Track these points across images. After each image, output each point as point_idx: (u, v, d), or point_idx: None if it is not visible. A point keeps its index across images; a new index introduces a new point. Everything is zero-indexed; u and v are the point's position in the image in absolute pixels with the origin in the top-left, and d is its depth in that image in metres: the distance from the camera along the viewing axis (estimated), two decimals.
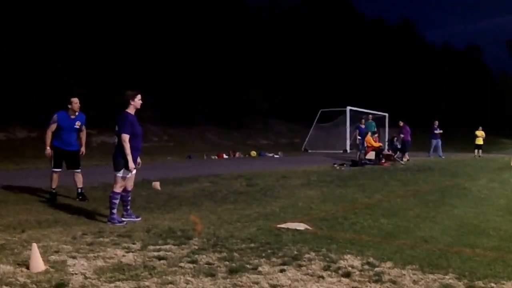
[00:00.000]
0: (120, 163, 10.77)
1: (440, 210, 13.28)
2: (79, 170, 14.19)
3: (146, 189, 16.32)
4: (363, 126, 32.76)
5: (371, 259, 8.07)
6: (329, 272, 7.40)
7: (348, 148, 40.94)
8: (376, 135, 32.24)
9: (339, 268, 7.58)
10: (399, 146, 33.62)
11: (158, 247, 8.63)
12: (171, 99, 42.37)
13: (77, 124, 13.86)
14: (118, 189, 10.89)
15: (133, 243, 8.84)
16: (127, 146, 10.63)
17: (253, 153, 38.24)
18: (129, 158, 10.67)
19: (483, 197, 16.17)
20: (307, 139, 45.63)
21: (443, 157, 37.38)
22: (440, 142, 38.50)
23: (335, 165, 27.35)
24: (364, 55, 76.50)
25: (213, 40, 51.53)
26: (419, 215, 12.52)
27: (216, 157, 35.41)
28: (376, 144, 30.30)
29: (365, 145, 30.42)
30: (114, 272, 7.14)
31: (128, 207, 11.37)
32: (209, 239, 9.34)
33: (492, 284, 7.11)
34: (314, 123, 45.58)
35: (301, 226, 10.67)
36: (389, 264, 7.84)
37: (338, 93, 59.14)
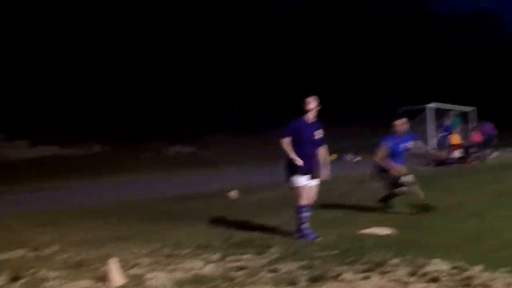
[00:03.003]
0: (287, 171, 10.83)
1: None
2: None
3: (223, 198, 16.54)
4: (448, 123, 32.20)
5: (460, 263, 7.99)
6: (415, 278, 7.38)
7: (433, 147, 40.44)
8: (476, 131, 31.83)
9: (426, 273, 7.53)
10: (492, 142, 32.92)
11: (237, 257, 8.76)
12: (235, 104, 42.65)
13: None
14: (301, 201, 10.75)
15: (212, 254, 8.99)
16: (286, 149, 10.71)
17: (333, 156, 38.07)
18: (292, 156, 10.61)
19: None
20: None
21: None
22: None
23: (419, 166, 27.07)
24: (445, 46, 75.41)
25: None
26: (507, 216, 12.33)
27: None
28: (459, 142, 29.80)
29: (450, 143, 29.97)
30: (193, 284, 7.30)
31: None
32: (289, 247, 9.42)
33: None
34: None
35: (384, 231, 10.67)
36: (479, 267, 7.73)
37: (419, 89, 58.41)
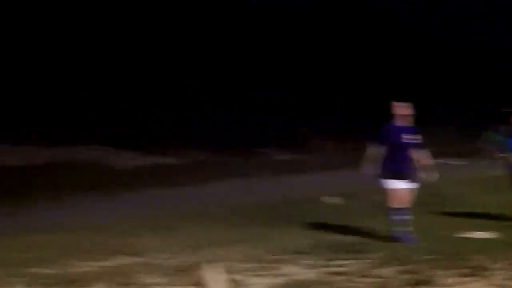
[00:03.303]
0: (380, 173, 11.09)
1: None
2: None
3: (319, 204, 16.64)
4: None
5: None
6: None
7: None
8: None
9: None
10: None
11: (338, 262, 8.89)
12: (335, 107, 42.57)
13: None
14: (392, 204, 10.99)
15: (314, 259, 9.14)
16: (366, 154, 11.11)
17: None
18: (364, 163, 11.08)
19: None
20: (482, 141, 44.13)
21: None
22: None
23: None
24: None
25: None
26: None
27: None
28: None
29: None
30: None
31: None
32: (390, 251, 9.50)
33: None
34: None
35: (485, 235, 10.63)
36: None
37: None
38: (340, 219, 13.59)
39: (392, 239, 10.63)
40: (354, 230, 11.83)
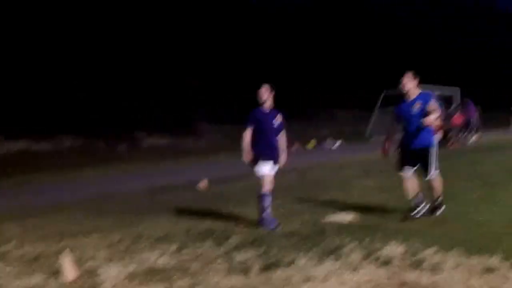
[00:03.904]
0: (254, 160, 11.10)
1: (504, 192, 13.30)
2: None
3: (193, 190, 16.72)
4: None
5: (415, 246, 8.26)
6: (368, 262, 7.65)
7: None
8: (457, 113, 32.11)
9: (379, 257, 7.81)
10: (475, 126, 33.09)
11: (194, 247, 9.02)
12: (224, 93, 42.75)
13: None
14: (265, 189, 10.98)
15: (170, 245, 9.21)
16: (244, 139, 11.10)
17: (311, 143, 38.01)
18: (245, 149, 11.08)
19: None
20: (370, 125, 45.23)
21: None
22: None
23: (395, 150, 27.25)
24: (428, 23, 75.36)
25: (274, 30, 51.90)
26: (480, 198, 12.64)
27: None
28: (437, 124, 29.96)
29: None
30: (146, 275, 7.55)
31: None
32: (249, 236, 9.68)
33: None
34: (377, 107, 45.09)
35: (346, 217, 10.92)
36: (432, 249, 8.01)
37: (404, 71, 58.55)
38: (212, 205, 13.63)
39: (259, 223, 10.76)
40: (222, 216, 11.92)
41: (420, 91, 11.13)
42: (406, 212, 10.83)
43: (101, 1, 44.50)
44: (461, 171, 17.64)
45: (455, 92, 42.02)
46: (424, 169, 11.05)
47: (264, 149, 11.04)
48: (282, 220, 10.98)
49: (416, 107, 10.82)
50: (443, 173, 16.92)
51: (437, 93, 35.29)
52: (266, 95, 11.11)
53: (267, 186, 10.94)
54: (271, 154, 11.10)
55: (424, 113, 10.72)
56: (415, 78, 11.06)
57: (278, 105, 11.35)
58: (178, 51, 44.20)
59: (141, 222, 11.87)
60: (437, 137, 26.46)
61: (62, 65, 36.59)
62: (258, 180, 11.04)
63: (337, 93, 53.13)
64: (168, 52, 43.84)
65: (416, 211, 10.79)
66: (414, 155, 11.03)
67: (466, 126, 32.55)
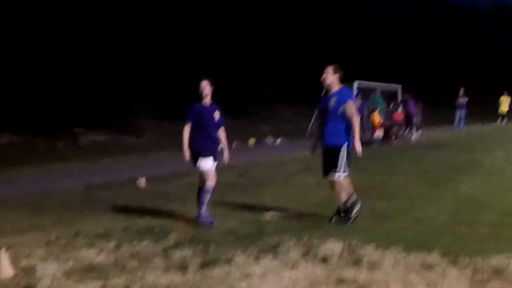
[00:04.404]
0: (195, 155, 11.04)
1: (445, 188, 13.63)
2: None
3: (132, 187, 16.70)
4: (373, 101, 33.17)
5: (354, 243, 8.40)
6: (306, 258, 7.77)
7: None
8: (398, 110, 32.68)
9: (317, 254, 7.93)
10: (414, 121, 33.51)
11: (133, 245, 9.03)
12: (165, 88, 42.59)
13: None
14: (208, 184, 10.98)
15: (108, 243, 9.21)
16: (184, 135, 11.06)
17: (252, 140, 38.05)
18: (183, 147, 11.04)
19: (495, 170, 16.47)
20: (311, 122, 45.42)
21: (463, 130, 37.03)
22: (464, 113, 38.07)
23: None
24: (367, 21, 76.02)
25: (212, 24, 51.82)
26: (421, 195, 12.90)
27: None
28: (380, 122, 30.43)
29: (372, 123, 30.56)
30: (83, 273, 7.55)
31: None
32: (187, 234, 9.72)
33: (479, 259, 7.45)
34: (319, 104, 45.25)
35: (287, 215, 11.04)
36: (371, 246, 8.16)
37: (347, 68, 59.01)
38: (152, 203, 13.64)
39: (197, 219, 10.82)
40: (161, 214, 11.93)
41: (341, 86, 10.80)
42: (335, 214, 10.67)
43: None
44: (401, 168, 18.00)
45: (397, 88, 42.47)
46: (330, 168, 10.56)
47: (205, 143, 11.04)
48: (221, 218, 11.07)
49: (332, 102, 10.54)
50: (384, 169, 17.36)
51: (380, 89, 35.92)
52: (207, 89, 11.14)
53: (211, 181, 11.00)
54: (212, 149, 11.13)
55: (340, 111, 10.43)
56: (335, 72, 10.72)
57: (217, 100, 11.40)
58: (118, 46, 43.91)
59: (80, 219, 11.84)
60: (377, 134, 26.85)
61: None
62: (200, 176, 11.08)
63: (280, 89, 53.36)
64: (109, 46, 43.51)
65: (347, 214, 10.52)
66: (325, 154, 10.74)
67: (408, 123, 33.02)
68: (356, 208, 10.53)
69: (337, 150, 10.44)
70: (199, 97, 11.20)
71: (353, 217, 10.44)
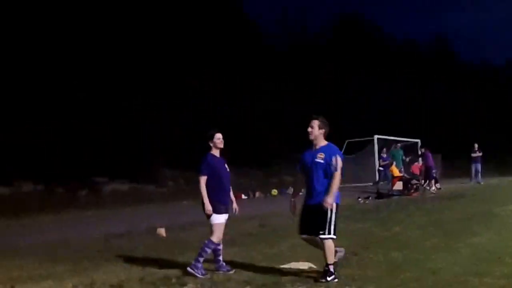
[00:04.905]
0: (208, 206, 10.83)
1: (459, 239, 13.51)
2: None
3: (151, 236, 16.73)
4: (385, 156, 33.39)
5: None
6: None
7: (377, 180, 40.94)
8: (416, 163, 32.89)
9: None
10: (434, 175, 33.55)
11: None
12: (186, 140, 42.77)
13: None
14: (215, 238, 10.84)
15: None
16: (202, 189, 10.82)
17: (274, 191, 38.35)
18: (205, 200, 10.77)
19: (510, 223, 16.39)
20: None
21: (482, 183, 37.01)
22: (479, 167, 38.14)
23: (359, 199, 27.62)
24: (385, 77, 76.25)
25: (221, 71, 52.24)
26: (435, 246, 12.80)
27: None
28: (399, 174, 30.59)
29: (392, 175, 30.77)
30: None
31: (220, 258, 11.12)
32: (205, 284, 9.71)
33: None
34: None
35: (305, 266, 10.97)
36: None
37: (365, 122, 59.21)
38: (170, 252, 13.63)
39: (192, 270, 10.61)
40: (179, 263, 11.84)
41: (326, 142, 10.09)
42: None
43: None
44: (418, 219, 17.91)
45: (416, 141, 42.77)
46: (318, 227, 9.75)
47: (220, 197, 10.91)
48: (238, 267, 11.03)
49: (320, 158, 9.85)
50: (401, 220, 17.31)
51: (400, 143, 36.11)
52: (222, 142, 11.11)
53: (219, 235, 10.89)
54: (226, 202, 11.06)
55: (327, 166, 9.78)
56: (322, 127, 10.03)
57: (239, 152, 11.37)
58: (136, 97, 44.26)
59: (96, 269, 11.83)
60: (396, 185, 26.84)
61: (19, 107, 36.33)
62: (212, 228, 10.93)
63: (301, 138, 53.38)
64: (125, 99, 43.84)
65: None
66: (311, 211, 9.88)
67: (426, 175, 33.05)
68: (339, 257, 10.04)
69: (325, 209, 9.69)
70: (209, 146, 11.13)
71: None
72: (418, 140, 44.00)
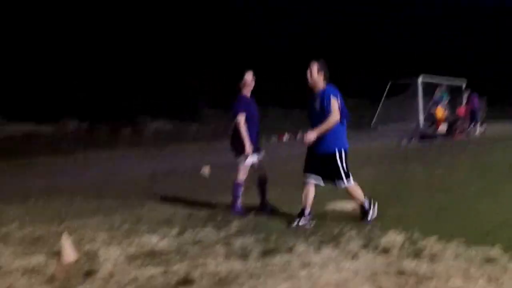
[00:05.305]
0: (239, 149, 10.82)
1: (506, 184, 13.28)
2: None
3: (195, 175, 16.74)
4: (436, 97, 32.85)
5: (415, 235, 8.23)
6: (367, 249, 7.64)
7: (421, 121, 40.48)
8: (461, 105, 32.46)
9: (378, 245, 7.80)
10: (478, 116, 33.05)
11: (195, 231, 9.04)
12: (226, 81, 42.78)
13: None
14: (241, 178, 10.93)
15: (171, 229, 9.24)
16: (242, 128, 10.69)
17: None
18: (246, 140, 10.66)
19: None
20: (376, 114, 45.03)
21: None
22: None
23: (403, 140, 27.37)
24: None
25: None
26: (481, 190, 12.55)
27: (277, 139, 35.62)
28: (444, 116, 30.14)
29: (435, 117, 30.35)
30: (145, 258, 7.57)
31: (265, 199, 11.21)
32: (250, 222, 9.70)
33: None
34: (384, 97, 44.83)
35: (348, 206, 10.87)
36: (433, 239, 7.97)
37: (410, 62, 58.43)
38: (215, 191, 13.68)
39: (235, 211, 10.80)
40: (224, 202, 11.85)
41: (324, 86, 9.62)
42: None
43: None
44: (463, 163, 17.65)
45: (462, 82, 41.85)
46: (331, 179, 9.74)
47: (253, 138, 10.87)
48: (283, 207, 11.00)
49: (317, 104, 9.51)
50: (445, 163, 17.06)
51: (446, 83, 35.49)
52: (253, 82, 10.98)
53: (244, 175, 10.94)
54: (257, 143, 11.05)
55: (323, 112, 9.42)
56: (320, 70, 9.65)
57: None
58: (181, 44, 44.28)
59: (143, 205, 11.94)
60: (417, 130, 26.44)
61: (69, 53, 36.62)
62: (239, 169, 10.93)
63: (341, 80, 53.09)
64: (171, 44, 43.85)
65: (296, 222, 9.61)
66: (318, 161, 9.73)
67: (471, 118, 32.55)
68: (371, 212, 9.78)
69: (331, 157, 9.57)
70: (239, 88, 11.00)
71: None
72: (464, 80, 43.07)
